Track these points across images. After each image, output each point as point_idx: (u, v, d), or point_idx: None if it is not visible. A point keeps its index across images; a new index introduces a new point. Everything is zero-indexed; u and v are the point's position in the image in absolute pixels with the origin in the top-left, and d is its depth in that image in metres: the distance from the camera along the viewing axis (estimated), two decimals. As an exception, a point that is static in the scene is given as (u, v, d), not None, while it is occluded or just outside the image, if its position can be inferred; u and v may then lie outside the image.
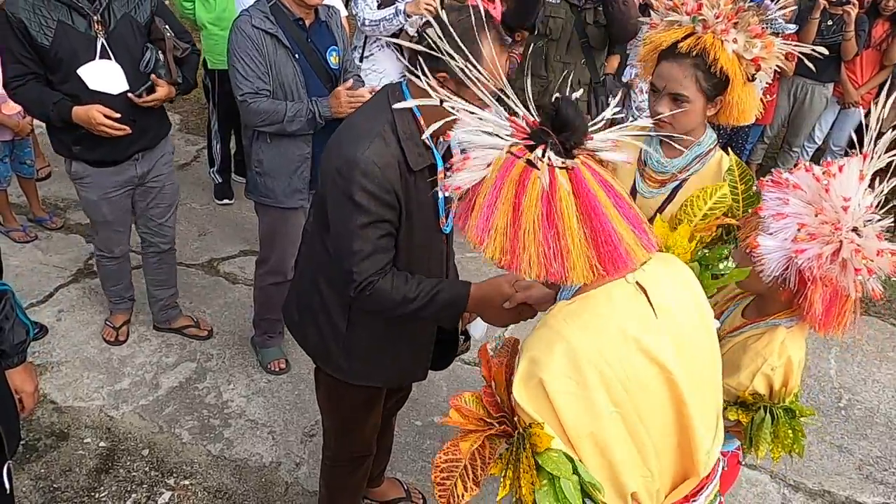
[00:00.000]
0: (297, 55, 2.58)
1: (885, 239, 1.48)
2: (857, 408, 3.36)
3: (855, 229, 1.44)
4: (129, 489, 2.54)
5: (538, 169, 1.12)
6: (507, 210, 1.15)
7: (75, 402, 2.89)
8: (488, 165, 1.17)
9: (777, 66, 2.14)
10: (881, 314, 4.13)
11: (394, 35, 3.46)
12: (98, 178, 2.74)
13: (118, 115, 2.52)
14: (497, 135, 1.17)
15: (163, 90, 2.63)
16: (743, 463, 1.80)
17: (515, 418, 1.23)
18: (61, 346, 3.16)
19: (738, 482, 2.83)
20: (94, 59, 2.49)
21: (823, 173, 1.46)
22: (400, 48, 3.58)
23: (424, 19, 3.42)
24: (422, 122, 1.63)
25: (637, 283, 1.22)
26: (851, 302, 1.54)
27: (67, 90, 2.51)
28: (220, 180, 4.41)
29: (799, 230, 1.45)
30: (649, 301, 1.22)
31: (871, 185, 1.57)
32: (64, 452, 2.66)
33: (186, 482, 2.59)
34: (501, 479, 1.22)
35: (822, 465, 3.00)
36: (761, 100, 2.03)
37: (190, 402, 2.93)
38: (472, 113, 1.17)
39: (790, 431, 1.59)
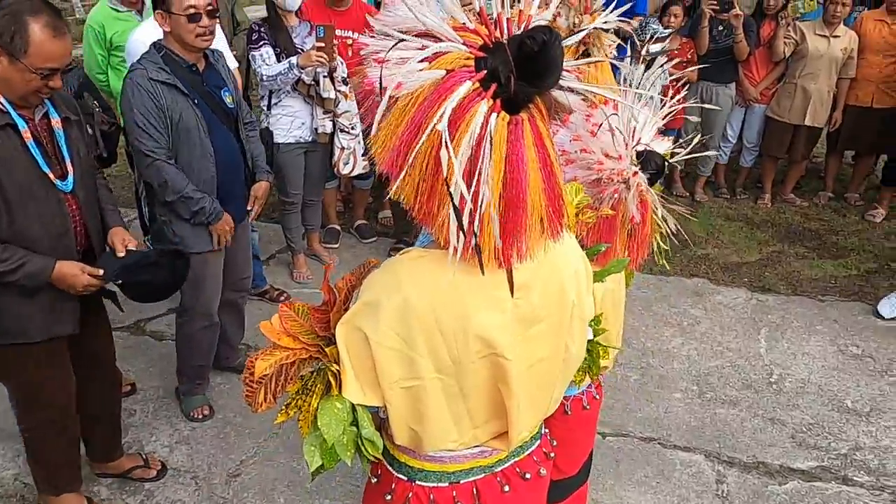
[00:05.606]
0: (196, 100, 2.59)
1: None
2: (787, 381, 3.39)
3: (607, 155, 1.55)
4: (41, 552, 2.44)
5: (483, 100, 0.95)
6: (412, 122, 0.96)
7: (-11, 474, 2.79)
8: (422, 68, 0.96)
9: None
10: (808, 293, 4.22)
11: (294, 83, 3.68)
12: None
13: None
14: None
15: None
16: (587, 407, 1.81)
17: (332, 348, 1.19)
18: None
19: (671, 465, 2.83)
20: None
21: (588, 105, 1.56)
22: (307, 91, 3.73)
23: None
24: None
25: None
26: (623, 233, 1.63)
27: None
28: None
29: (560, 155, 1.53)
30: (511, 277, 1.12)
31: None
32: (-25, 526, 2.55)
33: (103, 537, 2.49)
34: (285, 404, 1.21)
35: (756, 437, 2.99)
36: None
37: (110, 459, 2.84)
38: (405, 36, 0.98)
39: (587, 353, 1.55)
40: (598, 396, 1.90)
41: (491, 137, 0.96)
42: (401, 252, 1.17)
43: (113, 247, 2.22)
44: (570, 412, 1.80)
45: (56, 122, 2.04)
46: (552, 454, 1.39)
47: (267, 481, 2.73)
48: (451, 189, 0.96)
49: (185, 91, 2.57)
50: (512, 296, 1.13)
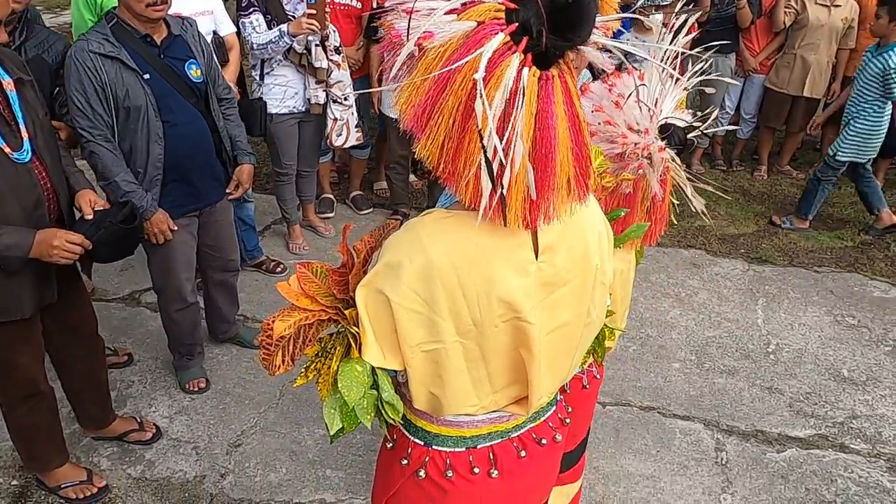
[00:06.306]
0: (146, 74, 2.41)
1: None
2: (785, 351, 3.41)
3: (631, 128, 1.49)
4: (43, 522, 2.43)
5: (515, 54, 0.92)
6: (439, 76, 0.93)
7: (-13, 445, 2.76)
8: (451, 20, 0.93)
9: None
10: (805, 264, 4.24)
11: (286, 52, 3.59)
12: None
13: None
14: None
15: (63, 132, 2.51)
16: (587, 387, 1.79)
17: (351, 310, 1.16)
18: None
19: (670, 433, 2.85)
20: None
21: (611, 74, 1.50)
22: (299, 60, 3.66)
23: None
24: None
25: None
26: (643, 210, 1.58)
27: None
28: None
29: None
30: (536, 239, 1.10)
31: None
32: (-26, 497, 2.54)
33: (104, 507, 2.48)
34: (304, 367, 1.19)
35: (754, 407, 3.02)
36: None
37: (109, 430, 2.83)
38: None
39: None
40: (598, 376, 1.85)
41: (524, 91, 0.93)
42: (423, 213, 1.14)
43: (81, 210, 2.15)
44: (568, 390, 1.76)
45: (8, 83, 1.91)
46: (567, 420, 1.38)
47: (268, 451, 2.72)
48: (485, 141, 0.93)
49: (131, 65, 2.37)
50: (536, 258, 1.11)
